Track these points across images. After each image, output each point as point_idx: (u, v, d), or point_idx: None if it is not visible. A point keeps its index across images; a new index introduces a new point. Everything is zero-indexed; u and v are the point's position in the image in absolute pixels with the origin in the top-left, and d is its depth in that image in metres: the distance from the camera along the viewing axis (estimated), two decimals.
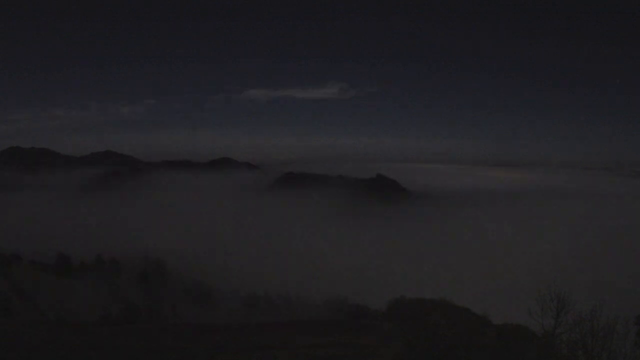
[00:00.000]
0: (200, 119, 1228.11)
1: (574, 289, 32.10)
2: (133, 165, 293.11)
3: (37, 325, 52.32)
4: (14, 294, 76.71)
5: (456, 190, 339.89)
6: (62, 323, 57.12)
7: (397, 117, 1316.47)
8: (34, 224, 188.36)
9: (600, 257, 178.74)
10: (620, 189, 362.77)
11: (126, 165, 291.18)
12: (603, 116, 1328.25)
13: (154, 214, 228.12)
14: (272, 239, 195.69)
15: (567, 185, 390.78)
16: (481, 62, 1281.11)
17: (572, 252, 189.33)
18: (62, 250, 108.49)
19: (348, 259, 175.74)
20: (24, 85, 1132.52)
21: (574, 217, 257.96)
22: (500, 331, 34.85)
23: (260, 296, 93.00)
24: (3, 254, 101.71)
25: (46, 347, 38.70)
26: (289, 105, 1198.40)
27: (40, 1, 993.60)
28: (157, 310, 75.30)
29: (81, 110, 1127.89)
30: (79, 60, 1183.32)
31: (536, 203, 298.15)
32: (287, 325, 54.28)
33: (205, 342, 42.93)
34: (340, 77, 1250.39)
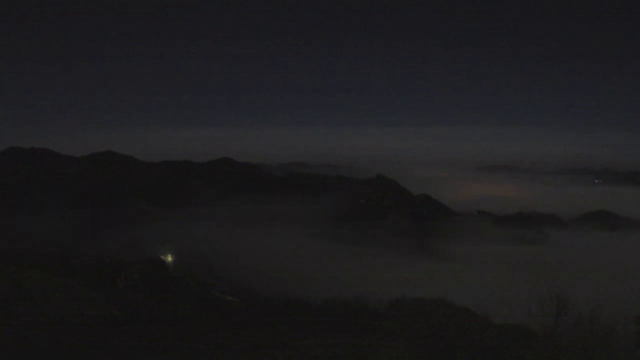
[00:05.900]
0: (200, 118, 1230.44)
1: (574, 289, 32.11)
2: (133, 165, 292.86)
3: (37, 325, 52.31)
4: (14, 294, 76.52)
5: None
6: (62, 323, 57.07)
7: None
8: (34, 224, 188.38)
9: None
10: None
11: (127, 165, 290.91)
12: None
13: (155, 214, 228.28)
14: (271, 239, 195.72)
15: None
16: None
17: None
18: (62, 250, 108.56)
19: (347, 258, 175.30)
20: (23, 85, 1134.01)
21: None
22: (500, 331, 34.81)
23: (261, 296, 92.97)
24: (3, 254, 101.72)
25: (46, 347, 38.72)
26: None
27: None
28: (158, 309, 75.17)
29: (81, 110, 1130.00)
30: (79, 59, 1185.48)
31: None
32: (287, 325, 54.24)
33: (207, 342, 42.92)
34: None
